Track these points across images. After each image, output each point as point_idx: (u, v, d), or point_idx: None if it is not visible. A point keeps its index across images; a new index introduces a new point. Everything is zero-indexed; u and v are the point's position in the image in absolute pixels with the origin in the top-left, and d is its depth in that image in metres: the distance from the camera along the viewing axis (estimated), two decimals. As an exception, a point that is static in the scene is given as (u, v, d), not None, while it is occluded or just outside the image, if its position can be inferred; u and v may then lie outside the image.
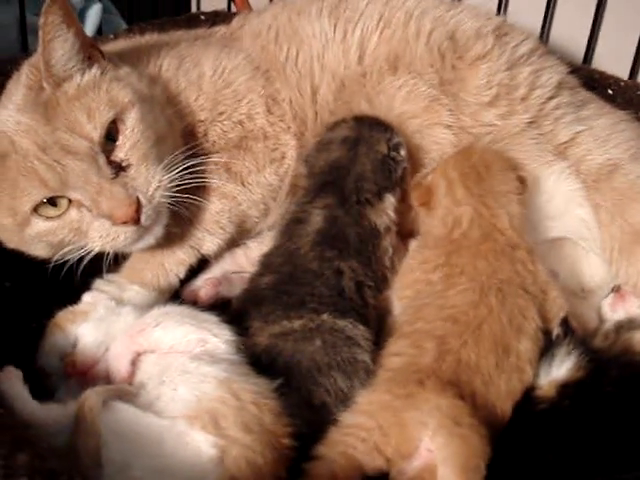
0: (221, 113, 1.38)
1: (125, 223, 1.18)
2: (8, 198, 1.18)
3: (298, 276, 1.25)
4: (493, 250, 1.22)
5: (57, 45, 1.18)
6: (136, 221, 1.19)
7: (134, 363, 1.10)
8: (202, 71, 1.40)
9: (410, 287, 1.25)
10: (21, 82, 1.20)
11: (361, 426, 1.02)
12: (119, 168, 1.20)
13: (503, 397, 1.09)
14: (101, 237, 1.20)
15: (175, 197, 1.25)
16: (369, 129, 1.37)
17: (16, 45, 1.83)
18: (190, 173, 1.26)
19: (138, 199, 1.19)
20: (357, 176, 1.33)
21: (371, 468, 1.00)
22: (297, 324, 1.18)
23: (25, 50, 1.85)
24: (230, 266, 1.44)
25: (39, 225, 1.20)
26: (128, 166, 1.21)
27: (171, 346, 1.09)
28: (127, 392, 1.03)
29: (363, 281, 1.26)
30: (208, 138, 1.38)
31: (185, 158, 1.27)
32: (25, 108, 1.17)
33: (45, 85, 1.17)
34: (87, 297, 1.27)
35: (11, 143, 1.17)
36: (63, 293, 1.28)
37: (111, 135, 1.20)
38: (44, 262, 1.28)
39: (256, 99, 1.41)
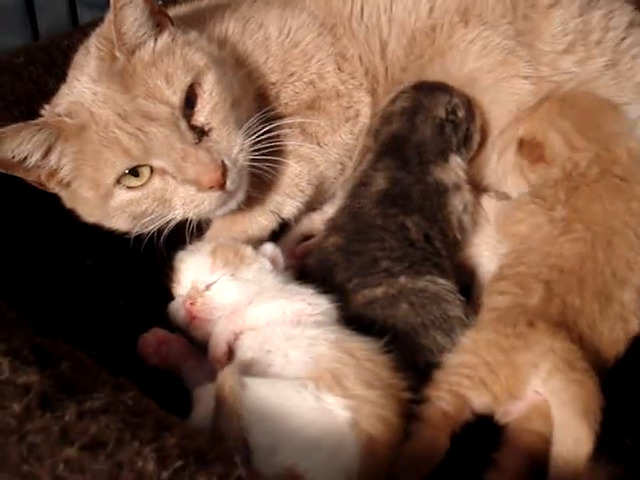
0: (292, 74, 1.36)
1: (211, 188, 1.17)
2: (90, 170, 1.17)
3: (364, 232, 1.25)
4: (608, 188, 1.20)
5: (128, 12, 1.15)
6: (222, 185, 1.17)
7: (232, 344, 1.09)
8: (268, 32, 1.37)
9: (524, 221, 1.23)
10: (91, 54, 1.19)
11: (466, 364, 1.03)
12: (201, 133, 1.18)
13: (606, 345, 1.09)
14: (185, 204, 1.19)
15: (256, 160, 1.23)
16: (427, 96, 1.37)
17: (66, 19, 1.79)
18: (268, 137, 1.24)
19: (223, 163, 1.17)
20: (417, 143, 1.34)
21: (478, 403, 1.00)
22: (379, 291, 1.17)
23: (75, 24, 1.82)
24: (308, 231, 1.43)
25: (122, 196, 1.18)
26: (210, 130, 1.19)
27: (268, 321, 1.07)
28: (244, 366, 1.01)
29: (430, 234, 1.26)
30: (280, 101, 1.36)
31: (261, 123, 1.25)
32: (100, 79, 1.16)
33: (118, 54, 1.15)
34: (268, 247, 1.25)
35: (90, 114, 1.15)
36: (145, 269, 1.29)
37: (189, 100, 1.18)
38: (123, 238, 1.27)
39: (325, 57, 1.38)
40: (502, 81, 1.38)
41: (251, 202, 1.32)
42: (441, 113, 1.36)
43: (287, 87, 1.36)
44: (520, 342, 1.01)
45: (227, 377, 0.91)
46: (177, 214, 1.21)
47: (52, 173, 1.20)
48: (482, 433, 1.02)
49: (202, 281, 1.15)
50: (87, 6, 1.73)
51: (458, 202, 1.32)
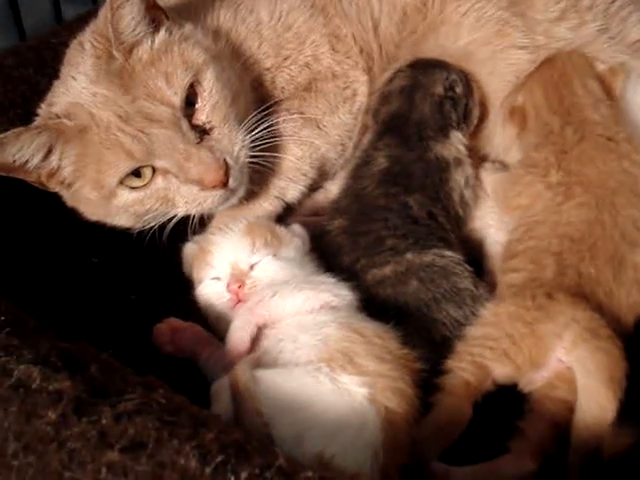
0: (286, 58, 1.36)
1: (214, 187, 1.17)
2: (92, 172, 1.16)
3: (367, 212, 1.25)
4: (597, 148, 1.21)
5: (125, 11, 1.14)
6: (224, 184, 1.18)
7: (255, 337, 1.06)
8: (259, 17, 1.36)
9: (524, 193, 1.24)
10: (87, 51, 1.17)
11: (488, 336, 1.03)
12: (202, 132, 1.18)
13: (625, 311, 1.10)
14: (187, 202, 1.19)
15: (256, 156, 1.23)
16: (424, 73, 1.37)
17: (50, 16, 1.77)
18: (269, 132, 1.24)
19: (226, 161, 1.17)
20: (417, 121, 1.34)
21: (501, 374, 1.01)
22: (387, 270, 1.18)
23: (59, 20, 1.79)
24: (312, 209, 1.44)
25: (126, 196, 1.18)
26: (211, 128, 1.19)
27: (293, 313, 1.05)
28: (256, 359, 1.00)
29: (433, 211, 1.27)
30: (276, 85, 1.36)
31: (261, 118, 1.25)
32: (99, 79, 1.14)
33: (115, 53, 1.14)
34: (296, 227, 1.24)
35: (90, 116, 1.14)
36: (152, 262, 1.29)
37: (190, 98, 1.17)
38: (127, 234, 1.27)
39: (319, 38, 1.37)
40: (499, 53, 1.37)
41: (254, 189, 1.31)
42: (439, 90, 1.36)
43: (282, 71, 1.36)
44: (541, 313, 1.02)
45: (239, 375, 0.91)
46: (179, 212, 1.21)
47: (53, 174, 1.20)
48: (505, 402, 1.03)
49: (244, 262, 1.12)
50: (69, 2, 1.71)
51: (460, 176, 1.32)
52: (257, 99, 1.31)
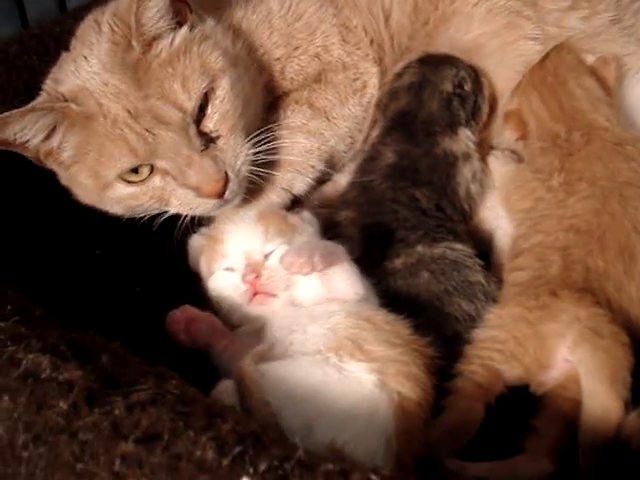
0: (296, 48, 1.34)
1: (210, 196, 1.16)
2: (92, 160, 1.15)
3: (376, 204, 1.25)
4: (605, 149, 1.20)
5: (152, 3, 1.11)
6: (220, 195, 1.16)
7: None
8: (269, 7, 1.34)
9: (527, 197, 1.23)
10: (103, 33, 1.14)
11: (495, 339, 1.02)
12: (209, 139, 1.16)
13: (636, 305, 1.07)
14: (181, 204, 1.19)
15: (257, 167, 1.22)
16: (433, 70, 1.37)
17: (54, 5, 1.75)
18: (273, 148, 1.24)
19: (226, 174, 1.16)
20: (425, 118, 1.34)
21: (511, 376, 1.00)
22: (398, 262, 1.17)
23: (63, 10, 1.77)
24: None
25: (121, 189, 1.17)
26: (218, 137, 1.17)
27: (313, 302, 1.04)
28: (263, 352, 0.98)
29: (441, 204, 1.26)
30: (285, 76, 1.34)
31: (267, 130, 1.23)
32: (113, 68, 1.12)
33: (134, 44, 1.11)
34: (305, 214, 1.22)
35: (98, 105, 1.12)
36: (155, 255, 1.27)
37: (201, 104, 1.15)
38: (131, 225, 1.26)
39: (329, 29, 1.36)
40: (510, 44, 1.36)
41: (260, 183, 1.29)
42: (448, 87, 1.35)
43: (292, 61, 1.34)
44: (544, 313, 1.01)
45: (245, 367, 0.89)
46: (172, 211, 1.20)
47: (51, 153, 1.18)
48: (518, 404, 1.01)
49: (258, 251, 1.09)
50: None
51: (467, 171, 1.32)
52: (267, 95, 1.30)
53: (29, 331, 0.84)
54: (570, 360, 0.98)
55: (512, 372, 1.00)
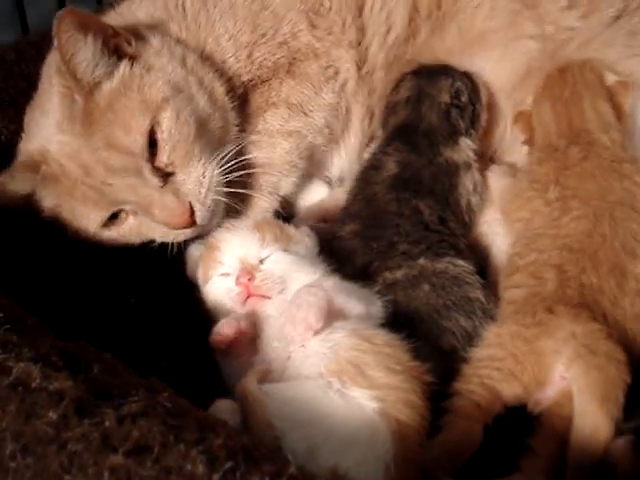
0: (263, 35, 1.32)
1: (182, 227, 1.16)
2: (70, 216, 1.19)
3: (380, 218, 1.25)
4: (600, 167, 1.21)
5: (80, 58, 1.11)
6: (192, 224, 1.17)
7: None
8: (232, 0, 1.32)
9: (524, 207, 1.24)
10: (54, 87, 1.15)
11: (493, 357, 1.02)
12: (166, 174, 1.15)
13: (630, 320, 1.08)
14: (162, 237, 1.21)
15: (230, 185, 1.21)
16: (429, 82, 1.38)
17: (53, 12, 1.74)
18: (243, 160, 1.23)
19: (190, 204, 1.15)
20: (425, 131, 1.34)
21: (509, 395, 0.99)
22: (399, 274, 1.17)
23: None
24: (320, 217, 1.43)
25: (106, 234, 1.21)
26: (174, 171, 1.16)
27: None
28: (264, 371, 0.97)
29: (444, 216, 1.27)
30: (254, 60, 1.31)
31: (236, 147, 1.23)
32: (64, 125, 1.14)
33: (77, 97, 1.12)
34: (304, 228, 1.22)
35: (60, 167, 1.14)
36: (146, 265, 1.26)
37: (152, 138, 1.14)
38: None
39: (296, 15, 1.33)
40: (510, 41, 1.37)
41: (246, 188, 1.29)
42: (446, 98, 1.36)
43: (260, 47, 1.31)
44: (541, 329, 1.01)
45: (249, 386, 0.89)
46: (158, 240, 1.22)
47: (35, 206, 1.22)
48: (515, 423, 1.01)
49: (253, 256, 1.09)
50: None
51: (469, 182, 1.33)
52: (234, 97, 1.28)
53: (20, 340, 0.83)
54: (566, 377, 0.98)
55: (511, 391, 0.99)
